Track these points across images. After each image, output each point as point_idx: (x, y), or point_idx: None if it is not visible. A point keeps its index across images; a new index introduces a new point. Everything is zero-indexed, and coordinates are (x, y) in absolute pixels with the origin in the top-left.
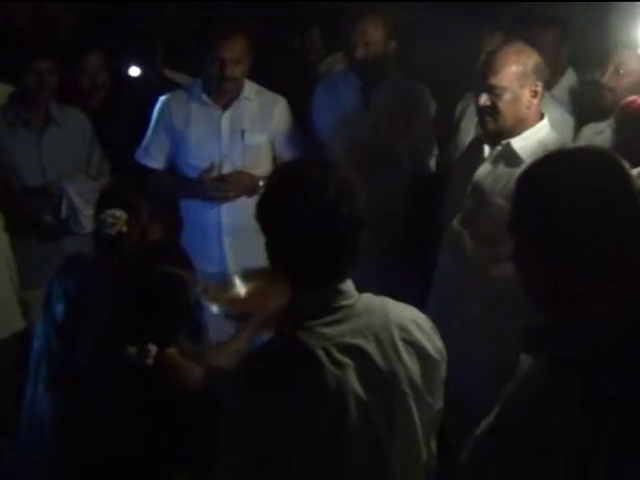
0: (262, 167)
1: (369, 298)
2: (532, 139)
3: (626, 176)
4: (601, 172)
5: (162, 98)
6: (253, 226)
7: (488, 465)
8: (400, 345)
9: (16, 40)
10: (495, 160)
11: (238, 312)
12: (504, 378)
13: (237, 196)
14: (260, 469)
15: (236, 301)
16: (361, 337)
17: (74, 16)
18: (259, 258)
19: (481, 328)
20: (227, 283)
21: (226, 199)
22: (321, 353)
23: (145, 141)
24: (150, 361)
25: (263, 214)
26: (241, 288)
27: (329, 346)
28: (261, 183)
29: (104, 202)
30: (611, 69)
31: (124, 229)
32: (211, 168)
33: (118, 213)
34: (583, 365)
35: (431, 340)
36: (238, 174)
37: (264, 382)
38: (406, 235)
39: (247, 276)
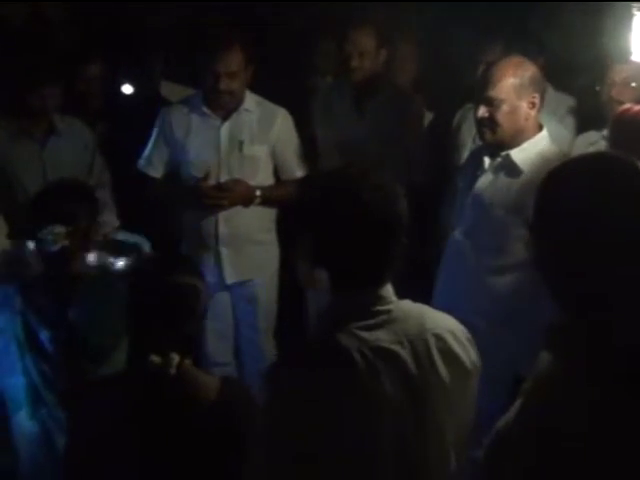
0: (261, 178)
1: (407, 305)
2: (531, 150)
3: None
4: (621, 176)
5: (163, 109)
6: (250, 237)
7: (505, 462)
8: (435, 354)
9: (19, 60)
10: (495, 171)
11: None
12: (508, 388)
13: (232, 204)
14: (289, 469)
15: None
16: (397, 343)
17: (72, 24)
18: (255, 268)
19: (485, 339)
20: None
21: (221, 207)
22: (357, 355)
23: (146, 151)
24: (173, 370)
25: (303, 216)
26: None
27: (365, 349)
28: (258, 193)
29: (40, 217)
30: (618, 82)
31: (66, 243)
32: (208, 177)
33: (57, 229)
34: (604, 370)
35: (466, 351)
36: (234, 182)
37: (300, 382)
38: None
39: None
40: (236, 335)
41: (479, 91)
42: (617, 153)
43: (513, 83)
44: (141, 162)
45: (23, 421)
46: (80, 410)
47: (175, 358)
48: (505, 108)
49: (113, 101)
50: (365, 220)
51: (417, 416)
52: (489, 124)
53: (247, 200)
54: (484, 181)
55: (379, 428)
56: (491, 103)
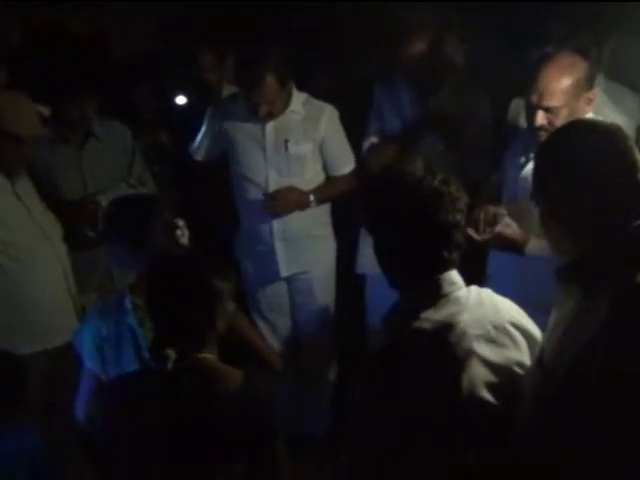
0: (309, 175)
1: (477, 290)
2: None
3: (629, 149)
4: (606, 141)
5: (210, 109)
6: (305, 232)
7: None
8: (512, 331)
9: (60, 71)
10: None
11: None
12: None
13: (286, 212)
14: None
15: None
16: (481, 328)
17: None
18: (311, 261)
19: None
20: None
21: (277, 215)
22: (449, 342)
23: (196, 141)
24: (187, 363)
25: (371, 214)
26: None
27: (459, 334)
28: (312, 198)
29: None
30: None
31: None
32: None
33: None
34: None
35: (530, 323)
36: (288, 190)
37: (404, 376)
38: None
39: None
40: (294, 328)
41: (534, 98)
42: (611, 123)
43: (570, 86)
44: (193, 148)
45: None
46: (107, 404)
47: (189, 351)
48: (564, 113)
49: (169, 111)
50: (423, 198)
51: (507, 393)
52: (548, 129)
53: (301, 206)
54: (529, 169)
55: (475, 412)
56: (550, 111)
